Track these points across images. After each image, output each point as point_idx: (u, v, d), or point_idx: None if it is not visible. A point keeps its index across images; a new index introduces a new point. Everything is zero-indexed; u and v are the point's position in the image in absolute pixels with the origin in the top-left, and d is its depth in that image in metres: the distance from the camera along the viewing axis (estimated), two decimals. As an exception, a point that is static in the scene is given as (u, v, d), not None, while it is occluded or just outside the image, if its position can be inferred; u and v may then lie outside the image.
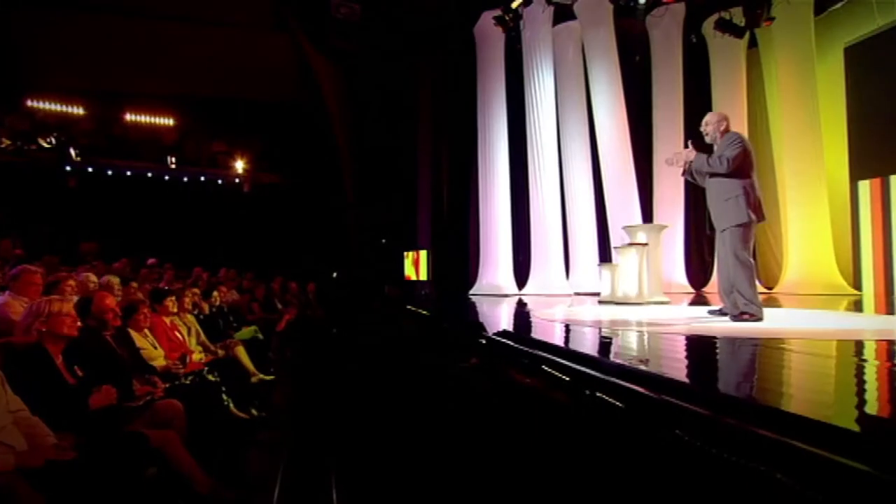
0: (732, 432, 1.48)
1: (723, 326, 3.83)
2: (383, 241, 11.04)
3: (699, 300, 7.53)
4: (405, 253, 10.48)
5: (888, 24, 7.71)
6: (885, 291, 7.69)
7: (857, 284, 7.98)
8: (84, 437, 2.59)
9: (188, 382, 4.21)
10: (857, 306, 6.24)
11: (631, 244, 6.69)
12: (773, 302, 6.63)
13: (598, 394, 2.14)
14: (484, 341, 3.85)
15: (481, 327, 4.21)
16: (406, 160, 10.72)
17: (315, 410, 5.34)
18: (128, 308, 3.99)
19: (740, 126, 8.17)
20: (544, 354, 2.90)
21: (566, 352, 2.92)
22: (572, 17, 8.91)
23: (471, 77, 9.33)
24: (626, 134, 8.53)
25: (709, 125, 4.41)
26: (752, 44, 9.09)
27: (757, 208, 4.07)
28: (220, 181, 11.35)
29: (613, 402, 2.01)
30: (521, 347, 3.25)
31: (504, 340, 3.62)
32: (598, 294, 8.55)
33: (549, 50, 8.81)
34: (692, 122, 8.96)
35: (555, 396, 2.56)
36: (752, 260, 4.16)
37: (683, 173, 4.64)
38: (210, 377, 4.45)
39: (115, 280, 5.31)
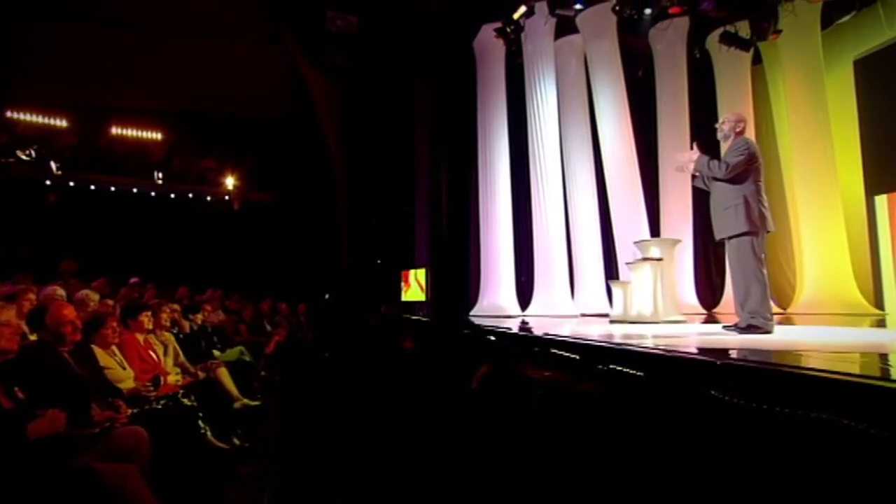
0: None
1: (728, 339, 3.69)
2: (378, 261, 10.61)
3: (712, 320, 7.13)
4: (402, 272, 10.05)
5: (898, 37, 7.56)
6: (909, 311, 7.34)
7: (879, 303, 7.62)
8: (17, 472, 2.10)
9: (160, 407, 3.74)
10: (883, 325, 5.94)
11: (644, 259, 6.31)
12: (787, 321, 6.26)
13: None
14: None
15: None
16: (403, 177, 10.40)
17: (305, 440, 4.89)
18: (92, 322, 3.50)
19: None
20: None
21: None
22: (574, 31, 8.72)
23: (471, 92, 9.08)
24: (632, 147, 8.24)
25: (725, 123, 4.30)
26: (756, 60, 8.93)
27: (760, 219, 3.94)
28: (209, 198, 10.95)
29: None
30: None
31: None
32: (605, 315, 8.18)
33: (551, 63, 8.59)
34: (698, 136, 8.76)
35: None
36: (763, 271, 3.97)
37: (694, 179, 4.51)
38: (186, 401, 3.98)
39: (94, 296, 4.85)
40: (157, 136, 10.25)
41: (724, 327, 4.39)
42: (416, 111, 10.35)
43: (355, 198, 10.48)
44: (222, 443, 4.13)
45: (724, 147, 4.34)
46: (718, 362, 2.52)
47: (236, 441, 4.46)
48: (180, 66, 9.30)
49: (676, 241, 6.74)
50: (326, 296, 10.75)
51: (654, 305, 6.23)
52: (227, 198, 11.26)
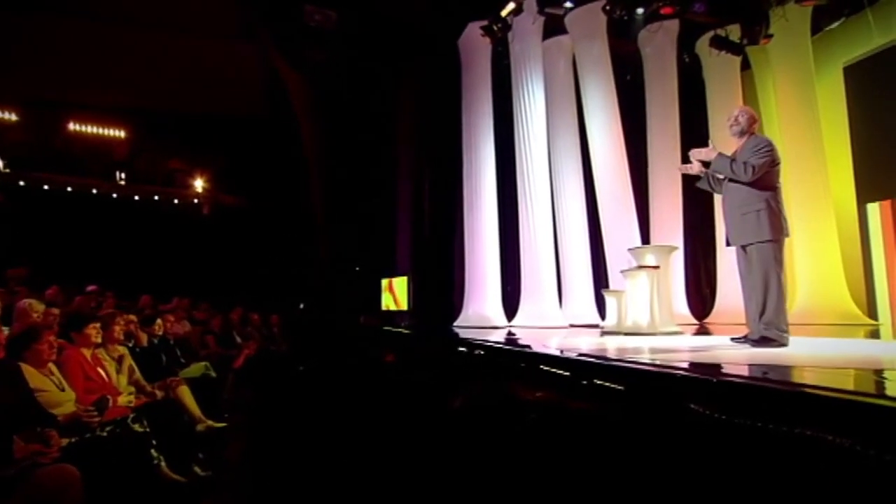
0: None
1: (746, 355, 3.42)
2: (357, 268, 10.12)
3: (706, 332, 6.85)
4: (382, 280, 9.58)
5: (889, 43, 7.48)
6: (903, 321, 7.19)
7: (872, 313, 7.47)
8: None
9: (104, 434, 3.22)
10: (877, 336, 5.75)
11: (640, 267, 5.99)
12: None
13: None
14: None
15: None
16: (383, 180, 9.97)
17: (276, 466, 4.42)
18: (22, 336, 2.97)
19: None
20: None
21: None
22: (562, 31, 8.46)
23: (455, 92, 8.72)
24: (623, 152, 7.98)
25: (740, 117, 3.97)
26: (744, 66, 8.81)
27: (783, 223, 3.72)
28: (176, 201, 10.33)
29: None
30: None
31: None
32: (595, 326, 7.87)
33: (539, 64, 8.29)
34: (688, 141, 8.58)
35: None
36: (784, 280, 3.72)
37: (699, 182, 4.29)
38: (136, 427, 3.45)
39: (39, 305, 4.28)
40: (120, 133, 9.61)
41: (734, 339, 4.09)
42: (398, 112, 9.96)
43: (332, 202, 9.99)
44: (179, 474, 3.60)
45: (737, 144, 4.03)
46: (763, 386, 2.16)
47: (198, 470, 3.96)
48: (145, 61, 8.71)
49: (673, 249, 6.45)
50: (301, 305, 10.25)
51: (650, 316, 5.92)
52: (195, 201, 10.67)
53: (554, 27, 8.38)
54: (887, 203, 7.48)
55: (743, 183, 3.76)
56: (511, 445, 2.95)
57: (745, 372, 2.66)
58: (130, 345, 4.81)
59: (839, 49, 8.12)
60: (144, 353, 5.02)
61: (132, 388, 4.29)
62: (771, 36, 7.65)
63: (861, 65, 7.89)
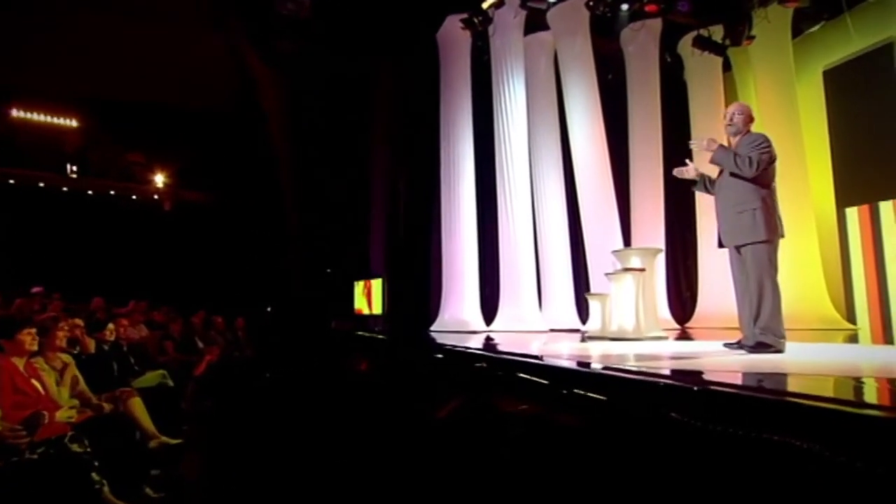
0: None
1: (745, 362, 3.27)
2: (328, 270, 9.70)
3: (688, 336, 6.72)
4: (356, 282, 9.19)
5: (868, 47, 7.50)
6: (881, 325, 7.18)
7: (851, 318, 7.46)
8: None
9: (35, 457, 2.80)
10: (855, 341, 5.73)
11: (626, 269, 5.78)
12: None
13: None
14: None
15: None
16: (357, 178, 9.60)
17: (240, 482, 4.06)
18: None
19: (722, 148, 7.65)
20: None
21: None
22: (544, 27, 8.27)
23: (433, 87, 8.43)
24: (605, 152, 7.81)
25: (737, 115, 3.86)
26: (725, 68, 8.78)
27: (778, 223, 3.59)
28: (134, 197, 9.72)
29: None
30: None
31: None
32: (576, 330, 7.68)
33: (520, 60, 8.08)
34: (670, 142, 8.49)
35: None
36: (778, 282, 3.59)
37: (695, 185, 4.12)
38: (75, 447, 3.03)
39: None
40: (72, 123, 8.94)
41: (727, 345, 3.90)
42: (373, 107, 9.63)
43: (303, 200, 9.55)
44: (126, 499, 3.19)
45: (733, 143, 3.86)
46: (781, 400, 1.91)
47: (149, 491, 3.57)
48: (102, 46, 8.11)
49: (658, 251, 6.29)
50: (269, 308, 9.78)
51: (635, 320, 5.72)
52: (156, 197, 10.07)
53: (535, 23, 8.19)
54: (865, 207, 7.47)
55: (743, 178, 3.60)
56: (494, 462, 2.73)
57: (767, 385, 2.42)
58: (76, 352, 4.35)
59: (819, 53, 8.14)
60: (92, 361, 4.57)
61: (75, 402, 3.83)
62: (753, 37, 7.64)
63: (841, 69, 7.90)
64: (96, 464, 3.09)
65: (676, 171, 4.23)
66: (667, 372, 2.83)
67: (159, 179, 10.07)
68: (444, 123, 8.28)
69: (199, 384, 6.21)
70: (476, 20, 7.48)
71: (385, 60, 9.04)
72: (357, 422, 4.64)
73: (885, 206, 7.29)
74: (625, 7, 7.22)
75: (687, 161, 4.16)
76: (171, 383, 5.47)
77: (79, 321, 4.59)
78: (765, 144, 3.59)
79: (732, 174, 3.63)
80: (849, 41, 7.64)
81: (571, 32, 7.91)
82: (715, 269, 7.88)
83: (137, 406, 4.24)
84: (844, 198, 7.76)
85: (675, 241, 8.91)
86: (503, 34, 7.97)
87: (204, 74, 8.95)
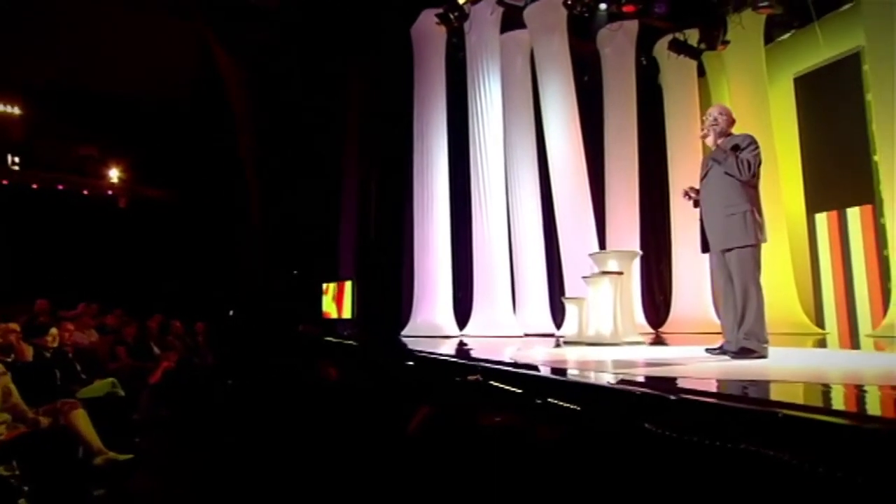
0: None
1: (731, 368, 3.20)
2: (295, 272, 9.34)
3: (664, 342, 6.64)
4: (324, 285, 8.85)
5: (837, 56, 7.62)
6: (848, 330, 7.28)
7: (820, 322, 7.55)
8: None
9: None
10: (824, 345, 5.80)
11: (604, 273, 5.67)
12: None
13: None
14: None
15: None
16: (327, 177, 9.28)
17: (196, 499, 3.80)
18: None
19: (697, 153, 7.65)
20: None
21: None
22: (520, 26, 8.13)
23: (406, 84, 8.19)
24: (581, 155, 7.72)
25: (721, 117, 3.79)
26: (699, 73, 8.82)
27: (763, 227, 3.55)
28: (86, 192, 9.15)
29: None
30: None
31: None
32: (550, 335, 7.55)
33: (496, 59, 7.91)
34: (646, 144, 8.46)
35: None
36: (762, 288, 3.53)
37: (692, 199, 3.94)
38: (1, 470, 2.67)
39: None
40: (14, 110, 8.30)
41: (709, 350, 3.80)
42: (344, 103, 9.34)
43: (269, 199, 9.17)
44: (62, 527, 2.84)
45: (718, 144, 3.75)
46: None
47: (91, 517, 3.19)
48: (53, 29, 7.56)
49: (635, 254, 6.21)
50: (231, 312, 9.36)
51: (613, 325, 5.63)
52: (110, 193, 9.50)
53: (512, 21, 8.04)
54: (834, 214, 7.58)
55: (737, 180, 3.50)
56: (466, 474, 2.61)
57: (757, 394, 2.31)
58: (10, 360, 3.94)
59: (790, 60, 8.25)
60: (29, 370, 4.15)
61: (6, 417, 3.45)
62: (728, 42, 7.64)
63: (810, 76, 8.01)
64: (25, 488, 2.74)
65: (685, 193, 3.98)
66: (665, 379, 2.66)
67: (114, 174, 9.52)
68: (417, 121, 8.03)
69: (155, 392, 5.82)
70: (452, 16, 7.24)
71: (357, 55, 8.76)
72: (324, 432, 4.39)
73: (852, 213, 7.41)
74: (603, 6, 7.11)
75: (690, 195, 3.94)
76: (121, 392, 5.06)
77: (14, 325, 4.17)
78: (755, 146, 3.54)
79: (726, 173, 3.53)
80: (818, 49, 7.76)
81: (548, 31, 7.80)
82: (689, 273, 7.89)
83: (81, 418, 3.86)
84: (814, 204, 7.86)
85: (649, 245, 8.88)
86: (479, 31, 7.78)
87: (165, 63, 8.48)
